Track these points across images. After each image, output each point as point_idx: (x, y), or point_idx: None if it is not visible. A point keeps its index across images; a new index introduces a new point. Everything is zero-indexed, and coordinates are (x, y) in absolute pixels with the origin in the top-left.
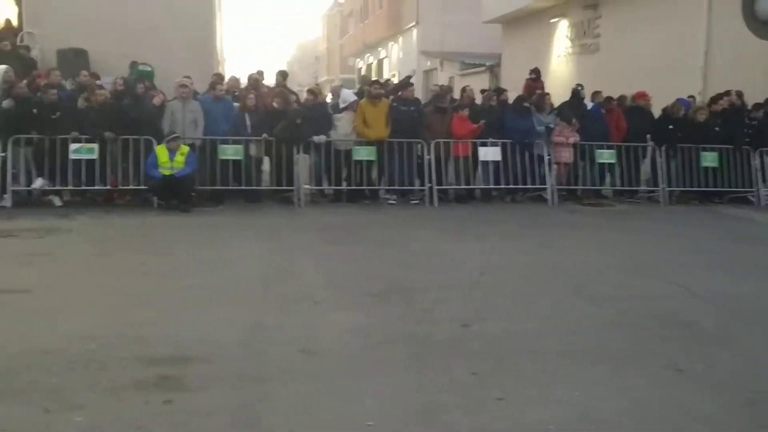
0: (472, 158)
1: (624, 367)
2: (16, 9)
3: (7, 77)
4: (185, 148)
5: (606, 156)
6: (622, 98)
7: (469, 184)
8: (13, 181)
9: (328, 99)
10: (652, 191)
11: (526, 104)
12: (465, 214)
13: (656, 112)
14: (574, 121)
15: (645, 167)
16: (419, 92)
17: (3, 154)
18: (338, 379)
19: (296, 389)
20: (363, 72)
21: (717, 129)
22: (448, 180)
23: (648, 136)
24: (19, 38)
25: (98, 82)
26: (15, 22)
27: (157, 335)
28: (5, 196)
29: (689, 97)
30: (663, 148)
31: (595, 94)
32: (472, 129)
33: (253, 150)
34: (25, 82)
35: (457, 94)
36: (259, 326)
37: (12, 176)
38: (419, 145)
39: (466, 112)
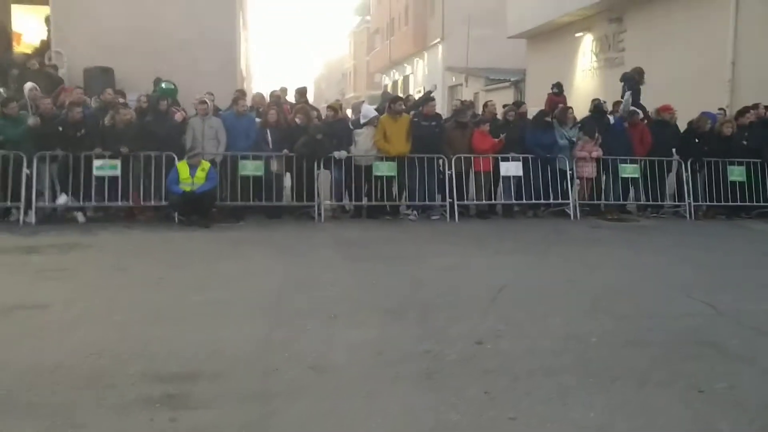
0: (494, 173)
1: (643, 387)
2: (45, 29)
3: (32, 95)
4: (206, 164)
5: (629, 170)
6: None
7: (490, 200)
8: (37, 197)
9: (349, 114)
10: (678, 206)
11: (548, 119)
12: (485, 229)
13: (682, 126)
14: (596, 135)
15: (670, 181)
16: (444, 108)
17: (28, 171)
18: (348, 397)
19: (304, 407)
20: (389, 88)
21: (744, 142)
22: (468, 195)
23: (673, 150)
24: (46, 57)
25: (122, 100)
26: (44, 42)
27: (167, 351)
28: (30, 212)
29: (719, 110)
30: (689, 162)
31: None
32: (493, 143)
33: (274, 166)
34: (49, 99)
35: (480, 110)
36: (270, 342)
37: (36, 193)
38: (440, 161)
39: (487, 127)
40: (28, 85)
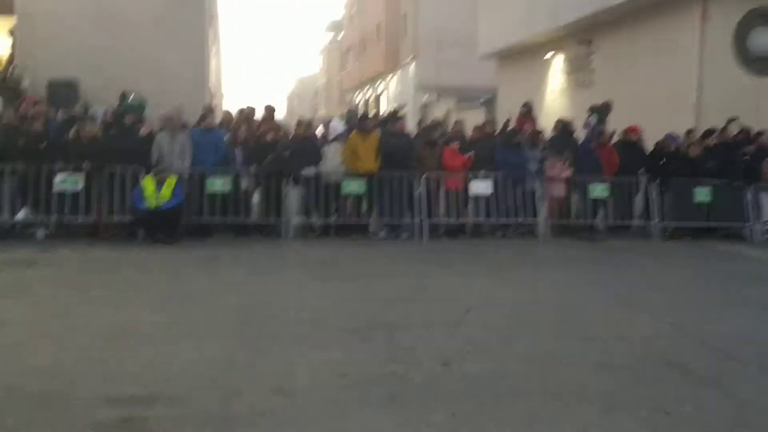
0: (464, 192)
1: (611, 410)
2: (9, 40)
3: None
4: (173, 180)
5: (599, 190)
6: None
7: (459, 219)
8: None
9: (319, 131)
10: (645, 226)
11: (516, 140)
12: (455, 249)
13: (649, 148)
14: (565, 154)
15: (638, 201)
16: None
17: None
18: (311, 420)
19: (266, 431)
20: (361, 106)
21: (710, 164)
22: (438, 214)
23: (641, 170)
24: (10, 70)
25: (90, 110)
26: (7, 53)
27: (124, 373)
28: None
29: (688, 132)
30: (656, 182)
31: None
32: (463, 161)
33: (243, 183)
34: (12, 111)
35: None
36: (232, 364)
37: None
38: (409, 179)
39: (456, 145)
40: None
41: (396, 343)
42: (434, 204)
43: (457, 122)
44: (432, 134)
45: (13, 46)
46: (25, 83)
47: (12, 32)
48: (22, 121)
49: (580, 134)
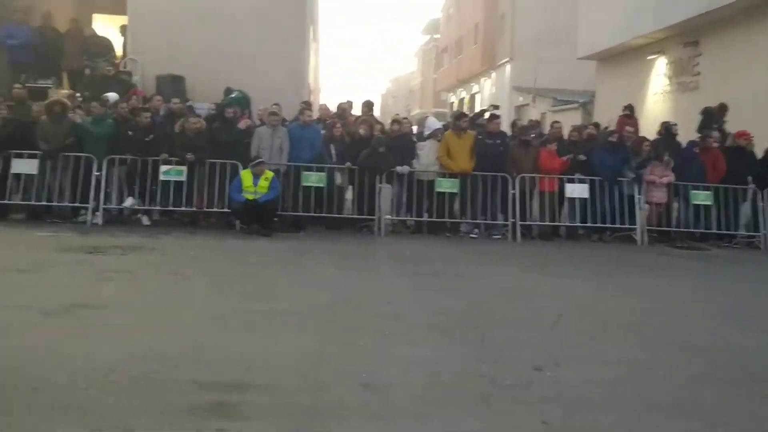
0: (559, 194)
1: (714, 427)
2: (121, 38)
3: (120, 110)
4: (269, 174)
5: (701, 197)
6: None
7: (554, 221)
8: (105, 199)
9: (414, 129)
10: (753, 237)
11: (615, 140)
12: (548, 251)
13: (759, 153)
14: (666, 158)
15: (745, 210)
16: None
17: (98, 174)
18: (400, 417)
19: (354, 425)
20: (455, 107)
21: None
22: (532, 216)
23: (749, 178)
24: (122, 64)
25: (189, 104)
26: (120, 51)
27: (220, 359)
28: (97, 213)
29: None
30: (765, 191)
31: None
32: (561, 163)
33: (338, 179)
34: (125, 105)
35: (546, 130)
36: (322, 356)
37: (105, 195)
38: (503, 179)
39: (554, 147)
40: (112, 96)
41: (486, 344)
42: (528, 205)
43: (554, 123)
44: (528, 134)
45: (125, 44)
46: (135, 78)
47: (124, 30)
48: (132, 113)
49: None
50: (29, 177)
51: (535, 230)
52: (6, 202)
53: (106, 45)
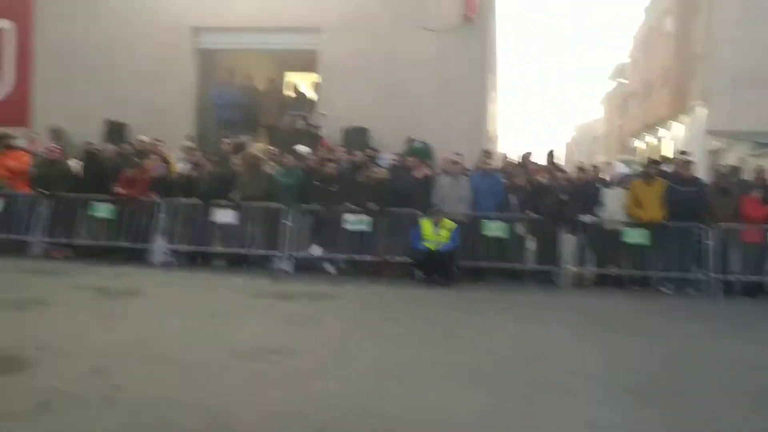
0: (765, 246)
1: None
2: (311, 94)
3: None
4: (451, 224)
5: None
6: None
7: (760, 275)
8: (295, 247)
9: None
10: None
11: None
12: (753, 309)
13: None
14: None
15: None
16: (704, 174)
17: (289, 222)
18: None
19: None
20: (642, 152)
21: None
22: (732, 269)
23: None
24: (312, 118)
25: (371, 154)
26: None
27: (398, 410)
28: (287, 261)
29: None
30: None
31: None
32: (766, 212)
33: (520, 229)
34: (314, 156)
35: (746, 176)
36: (500, 412)
37: (294, 243)
38: (699, 230)
39: (759, 194)
40: (304, 150)
41: (682, 411)
42: (728, 258)
43: (758, 169)
44: (727, 181)
45: (315, 99)
46: (323, 131)
47: (314, 86)
48: (320, 163)
49: None
50: (228, 226)
51: (737, 285)
52: (206, 249)
53: (301, 101)
